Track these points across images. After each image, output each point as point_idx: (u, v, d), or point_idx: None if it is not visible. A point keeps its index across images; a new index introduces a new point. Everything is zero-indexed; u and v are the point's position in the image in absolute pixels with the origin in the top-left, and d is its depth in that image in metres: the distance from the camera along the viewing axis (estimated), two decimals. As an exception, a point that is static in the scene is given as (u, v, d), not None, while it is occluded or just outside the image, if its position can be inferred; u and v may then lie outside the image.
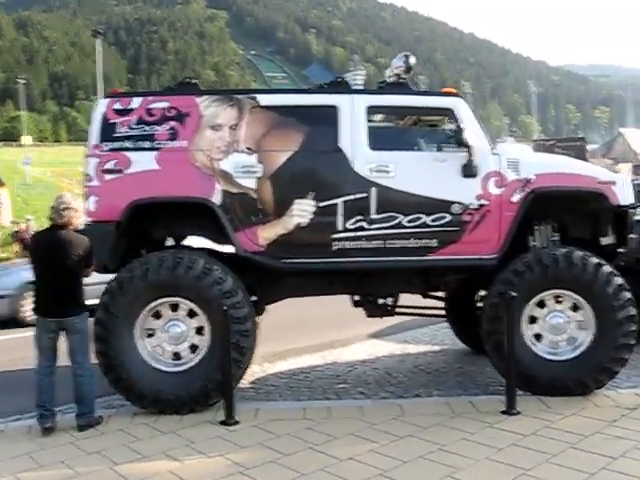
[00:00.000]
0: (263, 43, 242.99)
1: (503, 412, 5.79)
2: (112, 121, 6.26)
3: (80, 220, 6.00)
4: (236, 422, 5.75)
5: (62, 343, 5.84)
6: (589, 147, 47.98)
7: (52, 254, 5.74)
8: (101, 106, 6.36)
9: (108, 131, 6.25)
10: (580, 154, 32.02)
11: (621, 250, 6.82)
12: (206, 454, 5.10)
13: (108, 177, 6.19)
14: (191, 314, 6.15)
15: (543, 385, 6.15)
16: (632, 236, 6.70)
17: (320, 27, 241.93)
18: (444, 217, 6.26)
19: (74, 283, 5.81)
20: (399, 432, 5.43)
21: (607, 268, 6.18)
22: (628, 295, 6.16)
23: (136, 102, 6.31)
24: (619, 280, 6.17)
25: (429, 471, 4.63)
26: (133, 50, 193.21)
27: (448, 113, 6.51)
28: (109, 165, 6.19)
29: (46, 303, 5.77)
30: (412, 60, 6.73)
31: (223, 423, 5.74)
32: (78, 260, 5.78)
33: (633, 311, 6.15)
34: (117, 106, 6.31)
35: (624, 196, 6.55)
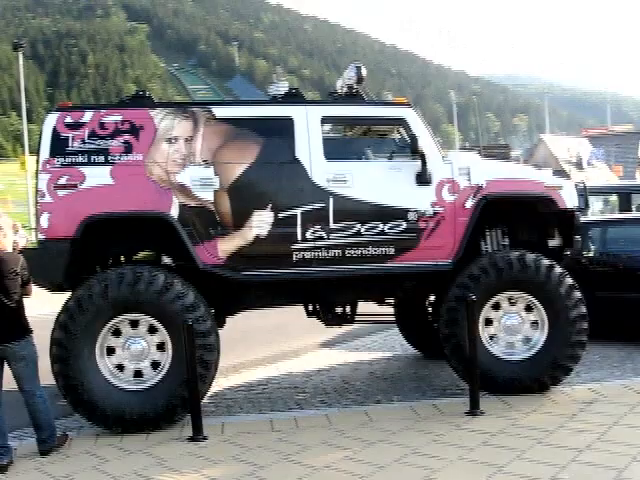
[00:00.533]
0: (185, 56, 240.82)
1: (467, 413, 5.92)
2: (63, 135, 6.12)
3: (7, 239, 5.58)
4: (204, 438, 5.67)
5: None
6: (512, 153, 49.59)
7: None
8: (51, 120, 6.18)
9: (60, 145, 6.10)
10: (505, 160, 33.03)
11: (567, 252, 7.10)
12: (180, 471, 5.01)
13: (61, 193, 6.03)
14: (152, 330, 6.05)
15: (502, 385, 6.34)
16: (577, 238, 6.99)
17: (242, 39, 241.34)
18: (401, 225, 6.38)
19: (12, 305, 5.42)
20: (370, 438, 5.47)
21: (559, 269, 6.42)
22: (579, 294, 6.43)
23: (88, 116, 6.18)
24: (570, 280, 6.42)
25: (407, 474, 4.68)
26: (52, 63, 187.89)
27: (401, 122, 6.63)
28: (62, 180, 6.03)
29: None
30: (364, 71, 6.83)
31: (191, 439, 5.65)
32: (14, 280, 5.42)
33: (584, 309, 6.41)
34: (68, 120, 6.16)
35: (570, 200, 6.81)
